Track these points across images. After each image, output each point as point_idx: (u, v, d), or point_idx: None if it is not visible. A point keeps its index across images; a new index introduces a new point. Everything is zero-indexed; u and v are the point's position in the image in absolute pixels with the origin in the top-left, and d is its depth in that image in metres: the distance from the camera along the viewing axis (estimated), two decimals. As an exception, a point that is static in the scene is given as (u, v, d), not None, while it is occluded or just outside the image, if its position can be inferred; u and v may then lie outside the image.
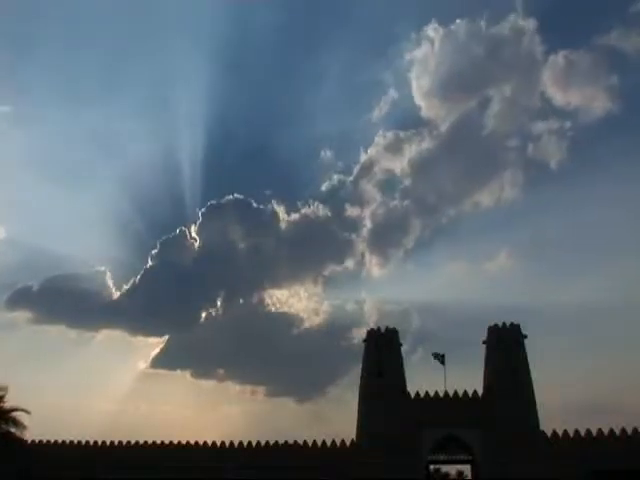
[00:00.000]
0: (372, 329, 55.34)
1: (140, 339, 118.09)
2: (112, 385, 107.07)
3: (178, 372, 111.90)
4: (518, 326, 53.70)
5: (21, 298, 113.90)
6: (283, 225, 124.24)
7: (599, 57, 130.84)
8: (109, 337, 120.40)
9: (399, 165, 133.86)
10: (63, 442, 53.62)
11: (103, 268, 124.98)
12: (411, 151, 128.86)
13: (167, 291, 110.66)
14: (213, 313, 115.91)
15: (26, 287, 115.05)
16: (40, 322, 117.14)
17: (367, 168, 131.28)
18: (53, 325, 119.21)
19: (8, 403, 48.58)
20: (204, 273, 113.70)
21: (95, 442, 53.67)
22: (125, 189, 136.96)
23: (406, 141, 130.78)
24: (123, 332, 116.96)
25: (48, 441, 53.58)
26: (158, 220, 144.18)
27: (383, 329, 54.83)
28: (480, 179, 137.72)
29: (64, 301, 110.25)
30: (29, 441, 51.39)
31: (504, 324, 53.83)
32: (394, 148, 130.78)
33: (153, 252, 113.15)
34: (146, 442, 53.09)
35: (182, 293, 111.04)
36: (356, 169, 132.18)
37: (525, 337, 53.40)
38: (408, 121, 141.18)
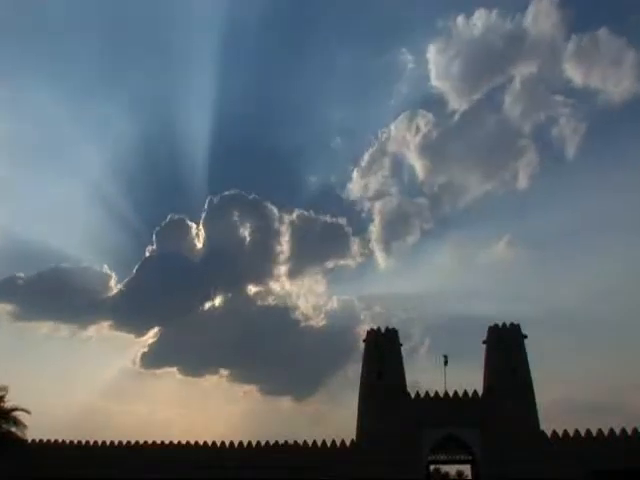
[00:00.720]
0: (372, 329, 55.33)
1: (132, 336, 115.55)
2: (100, 383, 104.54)
3: (170, 369, 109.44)
4: (518, 326, 53.73)
5: (2, 290, 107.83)
6: (290, 219, 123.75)
7: (627, 36, 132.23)
8: (99, 334, 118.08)
9: (412, 153, 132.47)
10: (63, 442, 53.68)
11: (97, 261, 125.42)
12: (425, 138, 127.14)
13: (163, 286, 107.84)
14: (216, 304, 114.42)
15: (9, 279, 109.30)
16: (23, 318, 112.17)
17: (378, 157, 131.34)
18: (38, 321, 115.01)
19: (9, 403, 48.60)
20: (203, 268, 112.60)
21: (95, 442, 53.79)
22: (121, 178, 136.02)
23: (420, 128, 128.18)
24: (114, 328, 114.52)
25: (48, 441, 53.62)
26: (157, 213, 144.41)
27: (383, 329, 54.89)
28: (494, 166, 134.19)
29: (52, 295, 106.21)
30: (29, 441, 51.36)
31: (504, 324, 53.85)
32: (407, 135, 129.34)
33: (150, 247, 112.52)
34: (146, 442, 53.14)
35: (178, 288, 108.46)
36: (367, 158, 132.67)
37: (525, 337, 53.42)
38: (424, 106, 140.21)
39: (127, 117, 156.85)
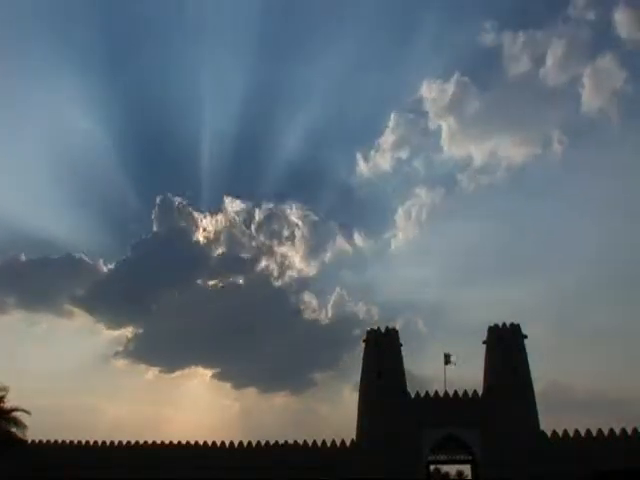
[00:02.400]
0: (372, 329, 55.29)
1: (114, 330, 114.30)
2: (73, 377, 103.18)
3: (152, 366, 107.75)
4: (518, 326, 53.66)
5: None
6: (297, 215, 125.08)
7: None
8: (73, 326, 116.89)
9: (444, 122, 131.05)
10: (63, 442, 53.66)
11: (81, 249, 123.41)
12: (462, 104, 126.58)
13: (153, 275, 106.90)
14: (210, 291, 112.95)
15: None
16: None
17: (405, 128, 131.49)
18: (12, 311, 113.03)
19: (8, 403, 48.57)
20: (200, 258, 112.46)
21: (95, 442, 53.79)
22: (115, 163, 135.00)
23: (456, 94, 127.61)
24: (92, 321, 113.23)
25: (48, 441, 53.63)
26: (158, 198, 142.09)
27: (383, 329, 54.85)
28: (528, 133, 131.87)
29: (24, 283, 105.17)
30: (29, 441, 51.33)
31: (504, 324, 53.80)
32: (441, 103, 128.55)
33: (142, 237, 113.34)
34: (146, 442, 53.17)
35: (162, 281, 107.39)
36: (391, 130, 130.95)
37: (525, 337, 53.36)
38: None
39: (131, 101, 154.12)
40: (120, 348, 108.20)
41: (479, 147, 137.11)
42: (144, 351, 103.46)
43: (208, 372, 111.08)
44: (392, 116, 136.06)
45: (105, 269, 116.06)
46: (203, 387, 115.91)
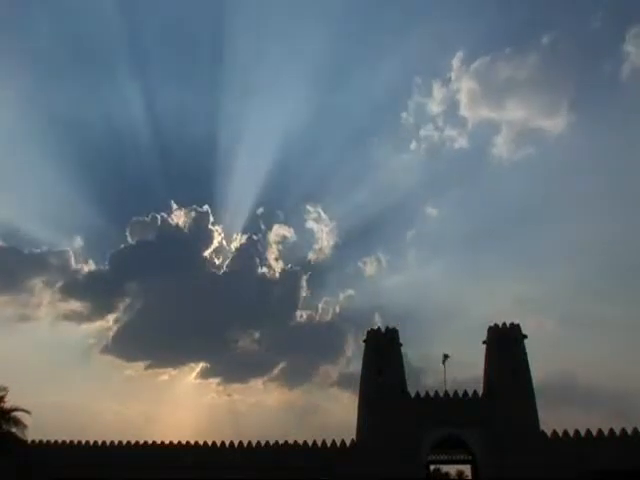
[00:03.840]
0: (372, 329, 55.28)
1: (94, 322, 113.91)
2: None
3: (127, 362, 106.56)
4: (518, 326, 53.65)
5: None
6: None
7: None
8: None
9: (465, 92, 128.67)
10: (63, 442, 53.69)
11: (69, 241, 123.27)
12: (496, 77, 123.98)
13: (143, 268, 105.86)
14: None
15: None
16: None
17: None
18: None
19: (8, 403, 48.55)
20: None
21: (95, 442, 53.79)
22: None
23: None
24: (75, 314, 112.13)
25: (48, 441, 53.64)
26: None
27: (383, 329, 54.84)
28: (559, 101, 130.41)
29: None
30: (29, 441, 51.31)
31: (504, 324, 53.80)
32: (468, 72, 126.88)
33: (134, 219, 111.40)
34: (146, 442, 53.19)
35: (155, 273, 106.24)
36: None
37: (525, 337, 53.35)
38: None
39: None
40: (104, 342, 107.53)
41: (505, 116, 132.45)
42: (128, 345, 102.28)
43: (196, 367, 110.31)
44: (415, 81, 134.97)
45: (92, 262, 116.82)
46: (191, 383, 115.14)
